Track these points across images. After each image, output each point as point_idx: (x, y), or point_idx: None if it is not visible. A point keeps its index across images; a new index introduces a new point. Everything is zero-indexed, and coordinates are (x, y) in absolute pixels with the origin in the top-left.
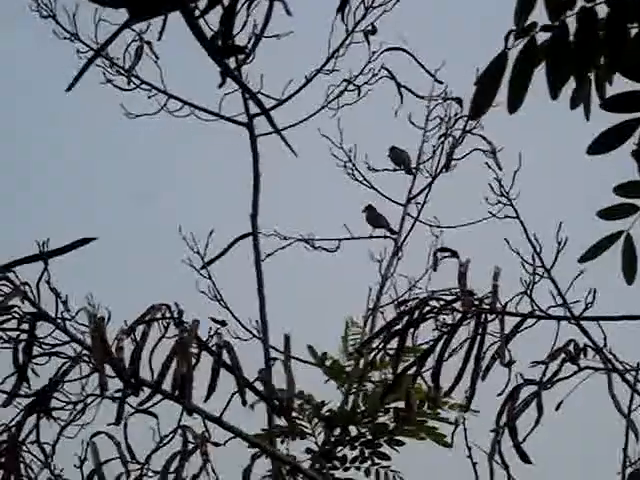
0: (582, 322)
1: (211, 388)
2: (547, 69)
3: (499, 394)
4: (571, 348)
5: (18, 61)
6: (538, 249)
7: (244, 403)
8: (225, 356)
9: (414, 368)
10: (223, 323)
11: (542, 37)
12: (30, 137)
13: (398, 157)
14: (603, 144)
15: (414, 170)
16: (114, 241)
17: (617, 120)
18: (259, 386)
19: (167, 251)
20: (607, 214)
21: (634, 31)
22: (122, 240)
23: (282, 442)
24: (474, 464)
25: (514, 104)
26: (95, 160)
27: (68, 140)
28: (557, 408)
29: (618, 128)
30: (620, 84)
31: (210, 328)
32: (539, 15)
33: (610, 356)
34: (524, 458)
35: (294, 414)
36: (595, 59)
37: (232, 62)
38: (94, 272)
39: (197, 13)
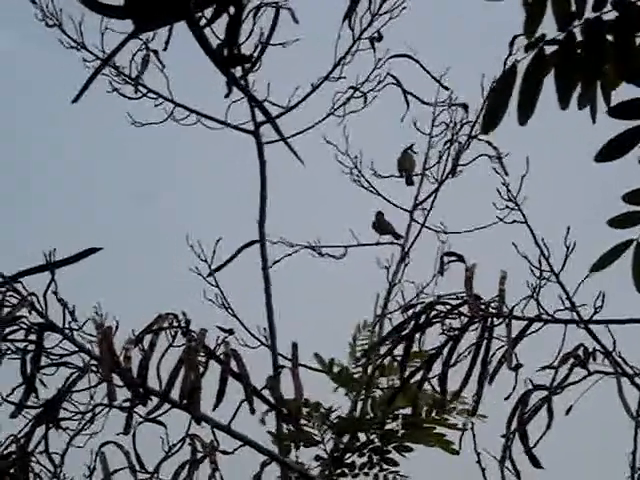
0: (591, 326)
1: (219, 396)
2: (556, 81)
3: (506, 398)
4: (580, 352)
5: (19, 62)
6: (546, 254)
7: (252, 411)
8: (233, 364)
9: (421, 373)
10: (231, 332)
11: (551, 47)
12: (30, 137)
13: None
14: (611, 152)
15: (420, 176)
16: (116, 245)
17: (624, 127)
18: (267, 394)
19: (173, 258)
20: (617, 223)
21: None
22: (125, 245)
23: (296, 449)
24: (483, 470)
25: (524, 116)
26: (95, 160)
27: (68, 140)
28: (567, 412)
29: (625, 135)
30: (626, 91)
31: (218, 337)
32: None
33: (619, 360)
34: (535, 463)
35: (302, 421)
36: (602, 67)
37: (238, 71)
38: (99, 280)
39: (203, 23)
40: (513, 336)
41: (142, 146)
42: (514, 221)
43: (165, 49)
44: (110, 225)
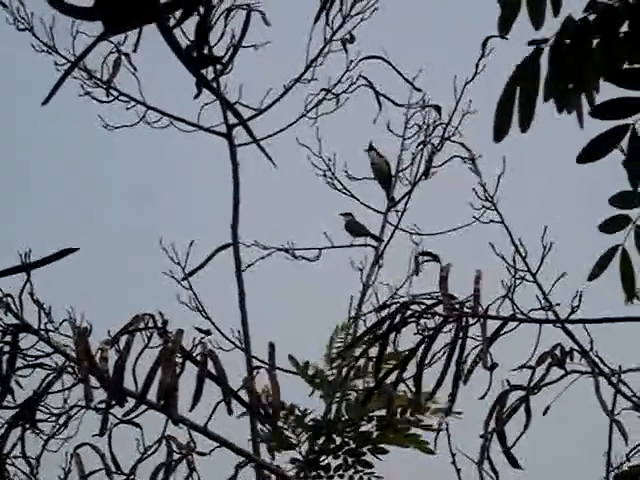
0: (569, 326)
1: (196, 397)
2: (548, 85)
3: (481, 398)
4: (558, 352)
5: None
6: (523, 253)
7: (230, 412)
8: (210, 365)
9: (396, 373)
10: (207, 332)
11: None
12: (30, 137)
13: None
14: (592, 152)
15: (392, 179)
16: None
17: (604, 127)
18: (244, 395)
19: (147, 261)
20: (606, 228)
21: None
22: (97, 246)
23: (270, 452)
24: (458, 470)
25: (525, 124)
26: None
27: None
28: (545, 412)
29: (606, 135)
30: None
31: (194, 338)
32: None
33: (596, 359)
34: (514, 463)
35: (279, 424)
36: (588, 70)
37: (210, 73)
38: (75, 281)
39: (172, 24)
40: (488, 336)
41: (116, 149)
42: (491, 221)
43: (135, 51)
44: (105, 227)
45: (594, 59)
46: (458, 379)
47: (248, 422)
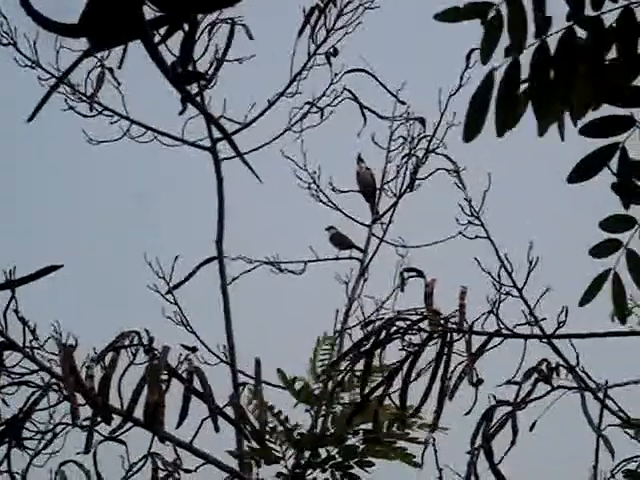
0: (555, 341)
1: (182, 415)
2: (533, 107)
3: (466, 413)
4: (544, 367)
5: None
6: (509, 269)
7: (217, 429)
8: (195, 382)
9: (381, 388)
10: (194, 349)
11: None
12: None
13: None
14: (582, 172)
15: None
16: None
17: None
18: (230, 411)
19: (131, 275)
20: (597, 252)
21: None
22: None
23: (256, 466)
24: None
25: (502, 130)
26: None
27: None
28: (531, 428)
29: (595, 155)
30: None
31: (180, 354)
32: None
33: (583, 375)
34: (500, 479)
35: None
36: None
37: (194, 87)
38: (58, 297)
39: (157, 40)
40: (473, 351)
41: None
42: (476, 236)
43: (120, 67)
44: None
45: (579, 76)
46: (443, 394)
47: (234, 437)
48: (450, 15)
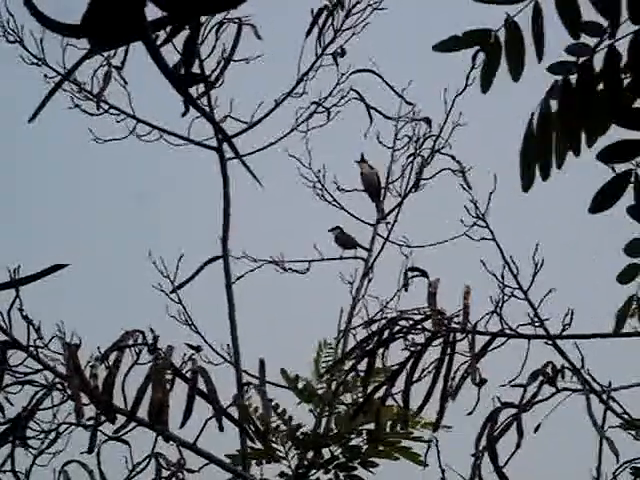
0: (561, 343)
1: (186, 415)
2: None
3: (469, 413)
4: (549, 370)
5: None
6: (514, 270)
7: (221, 429)
8: (200, 381)
9: (384, 388)
10: (198, 349)
11: None
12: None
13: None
14: (602, 201)
15: (382, 192)
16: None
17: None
18: (234, 411)
19: (136, 275)
20: (623, 278)
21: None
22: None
23: (258, 464)
24: None
25: (545, 173)
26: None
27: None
28: (536, 430)
29: (611, 184)
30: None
31: (184, 354)
32: None
33: (588, 377)
34: None
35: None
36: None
37: (200, 88)
38: (63, 296)
39: (159, 42)
40: (476, 351)
41: (105, 163)
42: (482, 238)
43: (122, 68)
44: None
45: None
46: (446, 394)
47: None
48: (449, 45)
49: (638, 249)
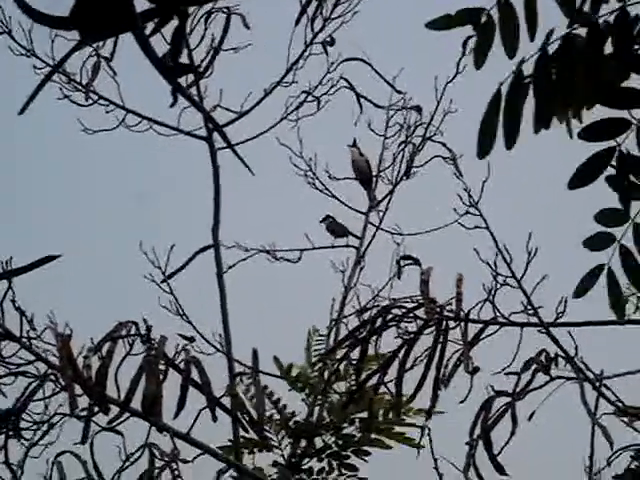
0: (554, 331)
1: (180, 405)
2: (535, 104)
3: (461, 401)
4: (543, 358)
5: None
6: (508, 259)
7: (215, 419)
8: (193, 372)
9: (377, 376)
10: (191, 339)
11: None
12: (29, 136)
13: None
14: (582, 177)
15: (373, 180)
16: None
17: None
18: (227, 401)
19: (126, 264)
20: (591, 244)
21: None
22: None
23: (250, 453)
24: (440, 476)
25: (510, 141)
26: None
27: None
28: (530, 418)
29: (594, 159)
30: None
31: (177, 344)
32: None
33: (581, 365)
34: (500, 470)
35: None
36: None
37: (189, 78)
38: (55, 286)
39: (147, 32)
40: (469, 339)
41: (95, 154)
42: (475, 227)
43: (111, 59)
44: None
45: (578, 77)
46: (438, 382)
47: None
48: (442, 23)
49: (609, 218)
